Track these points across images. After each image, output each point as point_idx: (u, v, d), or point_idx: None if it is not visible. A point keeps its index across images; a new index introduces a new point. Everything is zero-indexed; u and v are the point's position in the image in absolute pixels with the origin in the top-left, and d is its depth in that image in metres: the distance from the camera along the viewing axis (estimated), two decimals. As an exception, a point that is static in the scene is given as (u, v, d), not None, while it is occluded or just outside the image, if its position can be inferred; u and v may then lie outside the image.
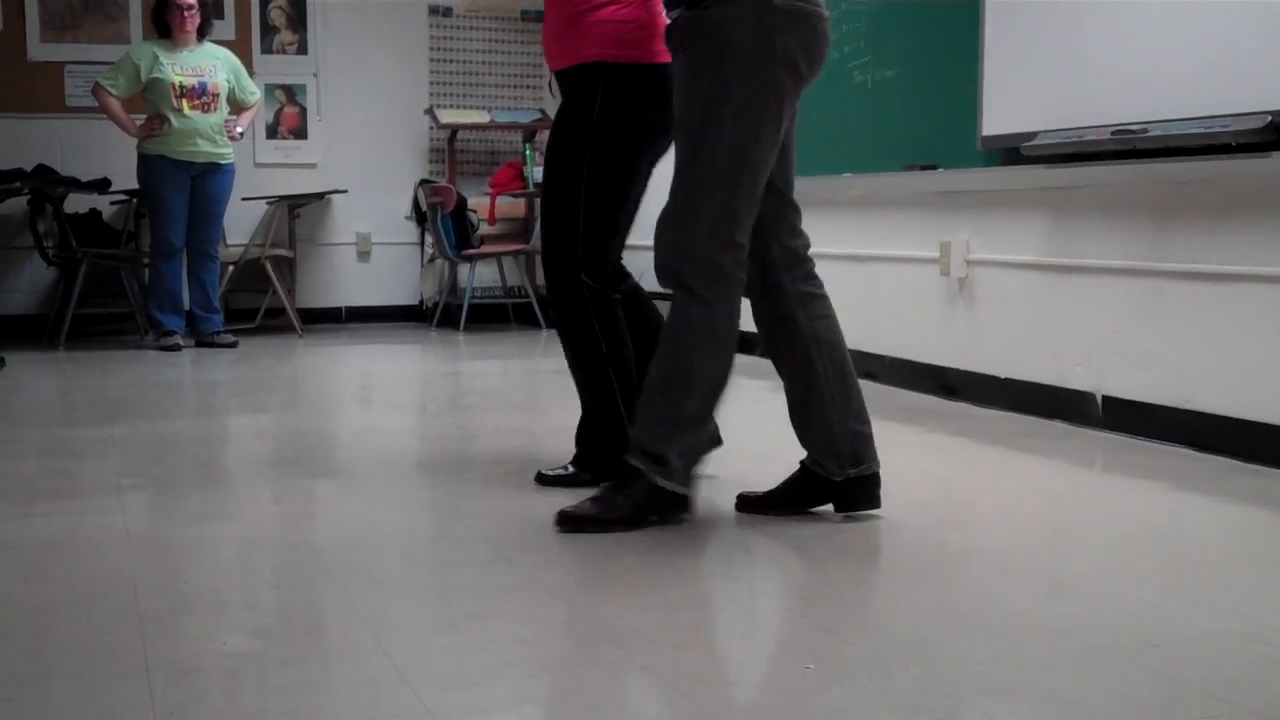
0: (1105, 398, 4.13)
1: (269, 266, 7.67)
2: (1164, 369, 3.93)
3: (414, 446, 4.20)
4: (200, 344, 7.11)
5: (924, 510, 3.15)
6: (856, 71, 5.38)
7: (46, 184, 7.45)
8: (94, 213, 7.76)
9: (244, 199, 7.66)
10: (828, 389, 2.94)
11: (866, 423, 2.99)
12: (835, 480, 2.96)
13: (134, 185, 7.23)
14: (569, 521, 2.86)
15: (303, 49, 8.35)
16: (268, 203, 7.96)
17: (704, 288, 2.80)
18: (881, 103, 5.25)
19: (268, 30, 8.29)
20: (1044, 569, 2.60)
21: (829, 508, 3.00)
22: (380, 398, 5.52)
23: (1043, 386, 4.42)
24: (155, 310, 7.04)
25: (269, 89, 8.14)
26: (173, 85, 6.86)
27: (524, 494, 3.24)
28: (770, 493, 3.05)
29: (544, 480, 3.33)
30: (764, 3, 2.75)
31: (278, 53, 8.30)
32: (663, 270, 2.85)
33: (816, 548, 2.76)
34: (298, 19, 8.33)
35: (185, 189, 6.98)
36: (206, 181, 7.03)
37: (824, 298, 3.01)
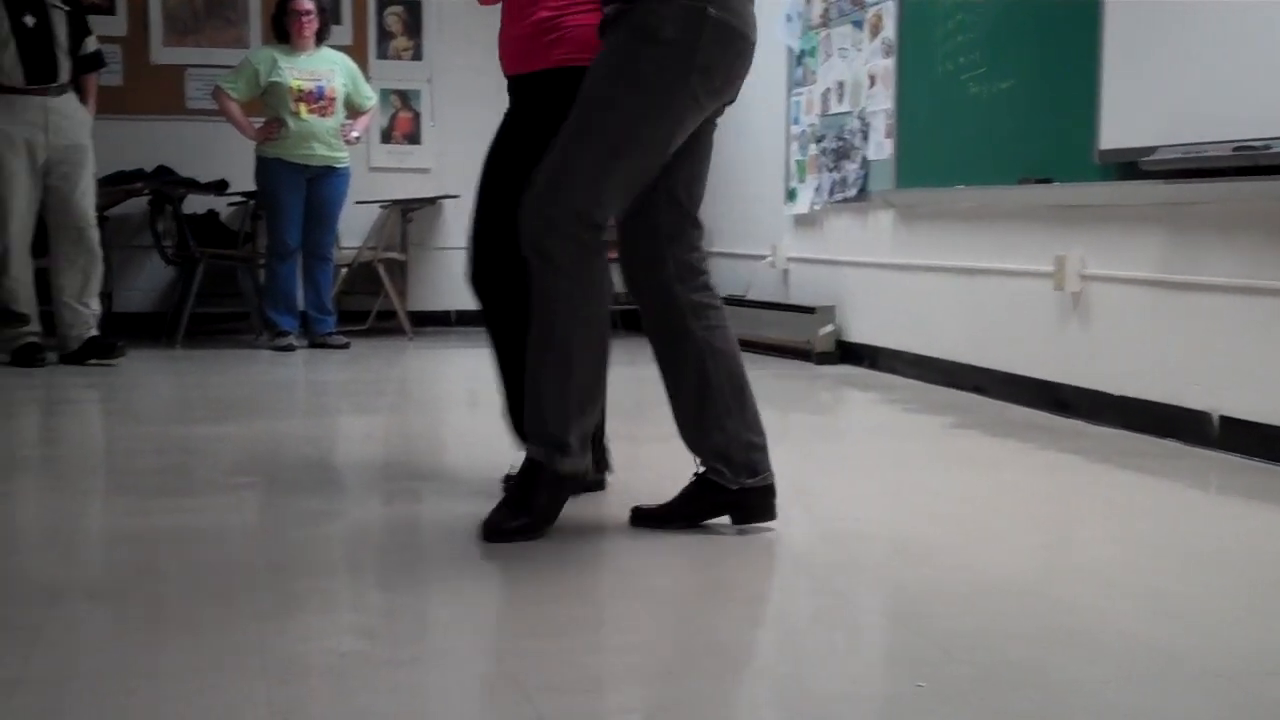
0: (1222, 418, 4.05)
1: (381, 269, 7.78)
2: (1284, 390, 3.85)
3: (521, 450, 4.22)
4: (313, 345, 7.24)
5: (1034, 528, 3.12)
6: (971, 83, 5.32)
7: (166, 185, 7.63)
8: (212, 214, 7.93)
9: (358, 202, 7.78)
10: (721, 399, 2.91)
11: (761, 434, 2.97)
12: (731, 490, 2.94)
13: (251, 187, 7.38)
14: (493, 534, 2.86)
15: (418, 55, 8.46)
16: (381, 206, 8.07)
17: (564, 255, 2.74)
18: (996, 115, 5.19)
19: (384, 36, 8.41)
20: (1156, 591, 2.55)
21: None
22: (487, 400, 5.56)
23: (1157, 405, 4.34)
24: (270, 311, 7.17)
25: (384, 94, 8.26)
26: (291, 89, 6.99)
27: (628, 499, 3.25)
28: (667, 505, 3.03)
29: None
30: (698, 9, 2.71)
31: (393, 58, 8.42)
32: (527, 236, 2.77)
33: (922, 564, 2.74)
34: (413, 25, 8.44)
35: (301, 192, 7.10)
36: (322, 184, 7.15)
37: (719, 308, 2.97)
